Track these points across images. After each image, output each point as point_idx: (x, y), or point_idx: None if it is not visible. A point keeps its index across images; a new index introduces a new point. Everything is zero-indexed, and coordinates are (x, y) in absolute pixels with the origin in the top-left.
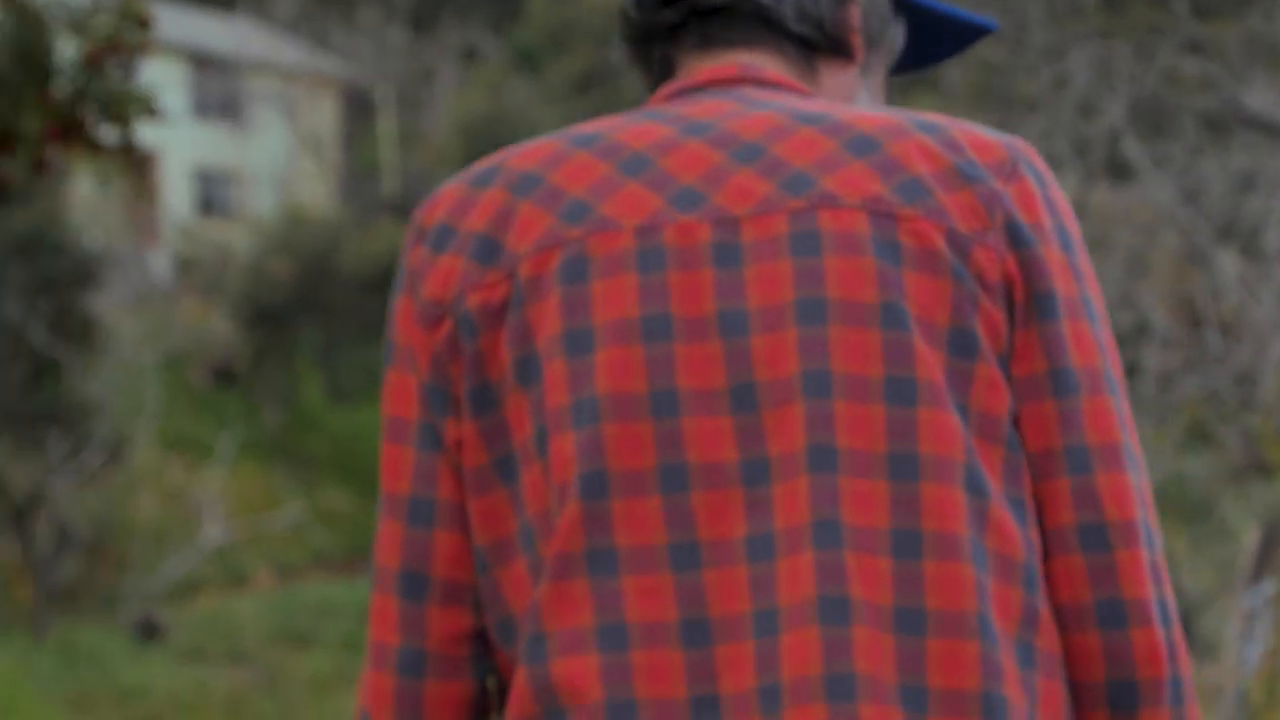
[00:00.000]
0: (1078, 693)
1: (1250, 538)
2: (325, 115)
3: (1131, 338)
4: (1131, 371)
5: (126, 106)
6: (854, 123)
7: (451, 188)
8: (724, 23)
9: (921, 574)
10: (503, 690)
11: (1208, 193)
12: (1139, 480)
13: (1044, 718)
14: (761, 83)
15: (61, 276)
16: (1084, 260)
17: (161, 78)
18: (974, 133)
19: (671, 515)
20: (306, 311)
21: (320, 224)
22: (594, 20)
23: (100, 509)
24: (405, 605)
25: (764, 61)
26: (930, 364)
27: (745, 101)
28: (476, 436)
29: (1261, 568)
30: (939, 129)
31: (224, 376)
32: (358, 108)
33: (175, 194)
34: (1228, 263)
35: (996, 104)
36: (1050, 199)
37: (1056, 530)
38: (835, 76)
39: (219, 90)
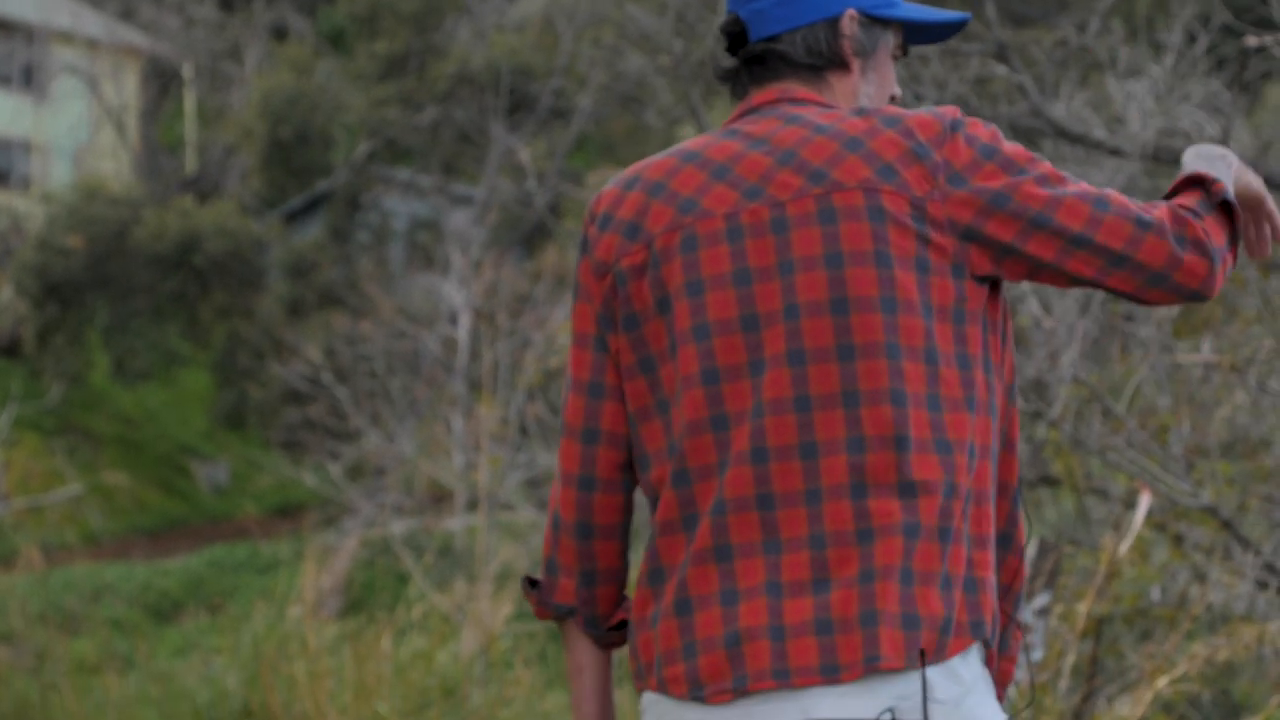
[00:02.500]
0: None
1: (1029, 550)
2: (128, 89)
3: None
4: None
5: None
6: (847, 129)
7: (609, 189)
8: (762, 65)
9: (907, 411)
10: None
11: None
12: (1133, 210)
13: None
14: (794, 100)
15: None
16: (1007, 150)
17: None
18: (920, 116)
19: (755, 388)
20: (98, 288)
21: (117, 199)
22: (406, 4)
23: None
24: (583, 448)
25: (793, 85)
26: (906, 285)
27: (784, 118)
28: (627, 345)
29: (1036, 580)
30: (898, 122)
31: (8, 350)
32: (162, 83)
33: None
34: None
35: None
36: (970, 136)
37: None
38: (841, 82)
39: (18, 58)
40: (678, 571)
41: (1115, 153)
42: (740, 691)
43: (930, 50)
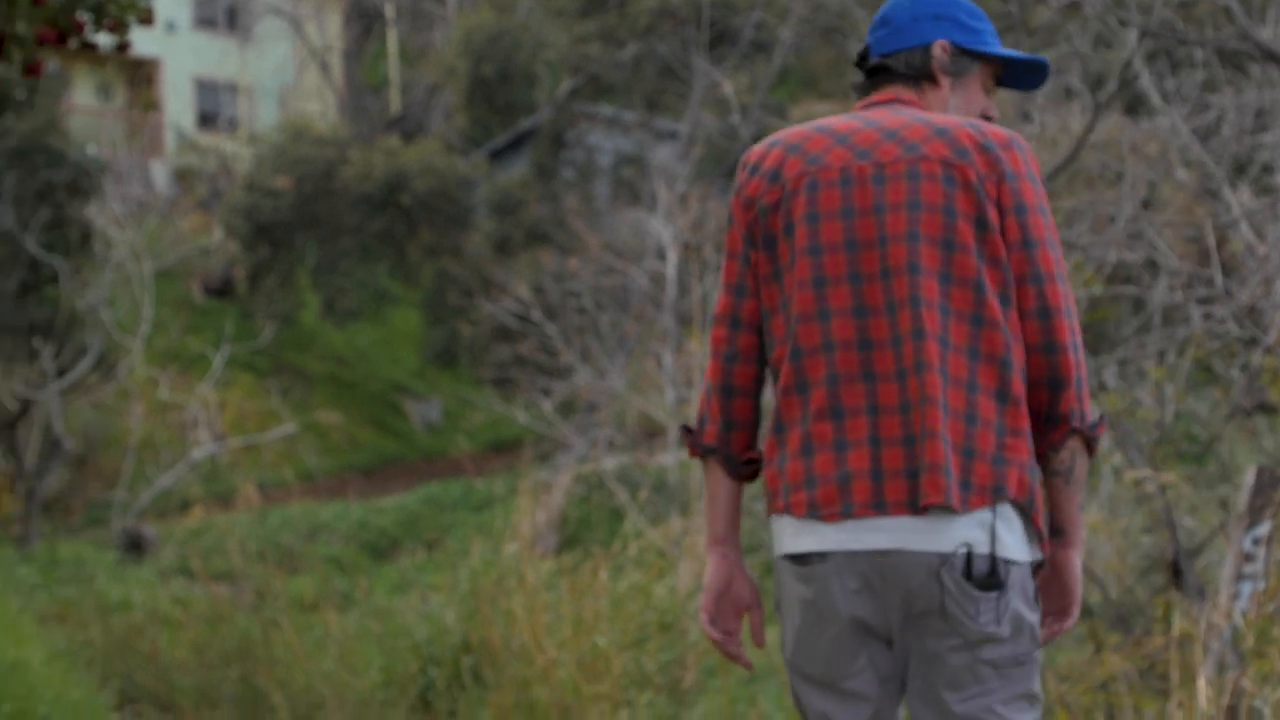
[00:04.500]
0: (1032, 384)
1: (1247, 478)
2: (331, 30)
3: (1138, 273)
4: (1138, 306)
5: (121, 11)
6: (939, 122)
7: (758, 148)
8: (881, 74)
9: (949, 322)
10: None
11: (1221, 128)
12: (1064, 288)
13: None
14: (903, 102)
15: (59, 186)
16: (1041, 189)
17: None
18: (993, 128)
19: (853, 293)
20: (306, 228)
21: (323, 140)
22: None
23: (91, 422)
24: (729, 331)
25: (902, 91)
26: (964, 232)
27: (893, 111)
28: (764, 259)
29: (1258, 509)
30: (977, 126)
31: (221, 291)
32: (365, 24)
33: (177, 105)
34: (1237, 199)
35: (1015, 33)
36: (1025, 159)
37: (1027, 309)
38: (933, 92)
39: (222, 1)
40: (798, 424)
41: None
42: (847, 515)
43: None
